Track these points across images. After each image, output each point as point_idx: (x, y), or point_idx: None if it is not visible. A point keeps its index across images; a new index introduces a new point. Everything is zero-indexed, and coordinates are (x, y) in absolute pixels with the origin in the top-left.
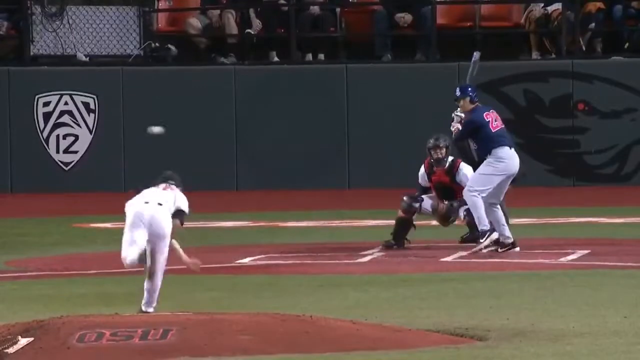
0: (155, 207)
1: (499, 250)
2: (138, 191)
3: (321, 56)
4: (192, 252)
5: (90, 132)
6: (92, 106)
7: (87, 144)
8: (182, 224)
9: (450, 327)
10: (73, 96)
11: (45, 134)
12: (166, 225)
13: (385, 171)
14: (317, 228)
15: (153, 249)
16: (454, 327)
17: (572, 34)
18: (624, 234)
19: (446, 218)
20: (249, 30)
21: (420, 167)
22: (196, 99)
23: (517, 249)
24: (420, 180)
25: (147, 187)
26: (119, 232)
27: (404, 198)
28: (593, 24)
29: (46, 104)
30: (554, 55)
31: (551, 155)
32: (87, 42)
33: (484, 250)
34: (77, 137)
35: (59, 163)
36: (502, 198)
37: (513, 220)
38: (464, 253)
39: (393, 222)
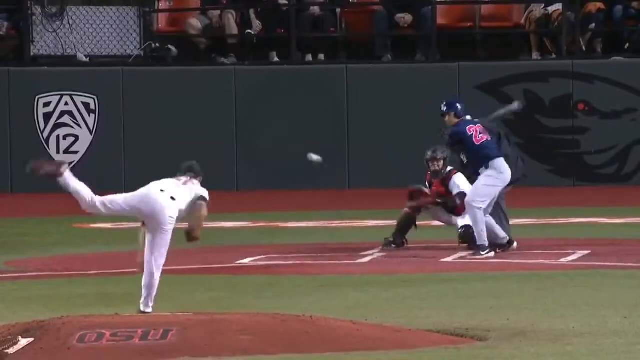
0: (167, 199)
1: (498, 250)
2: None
3: (321, 56)
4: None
5: (91, 132)
6: (92, 106)
7: (87, 144)
8: (203, 209)
9: (451, 327)
10: (73, 96)
11: (45, 134)
12: (170, 220)
13: (385, 171)
14: (317, 228)
15: (152, 241)
16: (454, 328)
17: (572, 34)
18: (624, 234)
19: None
20: (249, 31)
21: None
22: (196, 99)
23: (515, 245)
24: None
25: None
26: (119, 233)
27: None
28: (593, 24)
29: (46, 105)
30: (554, 56)
31: (551, 155)
32: (88, 42)
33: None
34: (77, 138)
35: None
36: (492, 205)
37: (513, 221)
38: (464, 253)
39: (393, 222)
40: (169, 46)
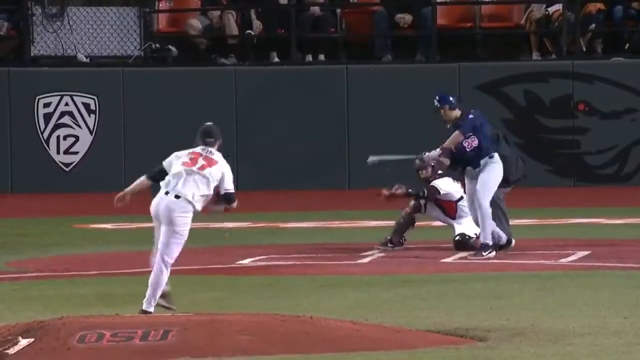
0: (172, 200)
1: (497, 250)
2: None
3: (321, 57)
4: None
5: (91, 132)
6: (92, 107)
7: (87, 144)
8: (231, 204)
9: (451, 327)
10: (73, 97)
11: (45, 134)
12: (180, 221)
13: (385, 172)
14: (318, 229)
15: (166, 242)
16: (454, 328)
17: (572, 34)
18: (624, 234)
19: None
20: (249, 31)
21: None
22: (196, 99)
23: (513, 243)
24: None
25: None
26: (119, 233)
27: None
28: (593, 25)
29: (47, 105)
30: (554, 56)
31: (551, 155)
32: (88, 42)
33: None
34: (77, 138)
35: (60, 164)
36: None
37: (514, 221)
38: (465, 254)
39: (393, 222)
40: (169, 46)
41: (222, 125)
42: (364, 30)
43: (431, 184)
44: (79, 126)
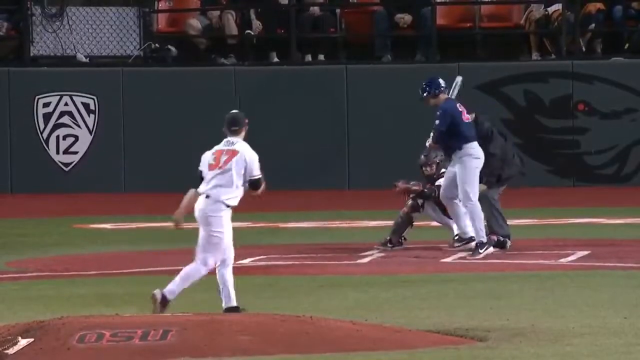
0: (203, 202)
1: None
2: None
3: (321, 57)
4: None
5: (90, 132)
6: (92, 107)
7: (87, 144)
8: (257, 190)
9: (450, 327)
10: (73, 97)
11: (45, 134)
12: (214, 221)
13: (385, 172)
14: (317, 229)
15: (203, 243)
16: (454, 328)
17: (572, 34)
18: (624, 234)
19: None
20: (248, 31)
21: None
22: (196, 99)
23: (491, 249)
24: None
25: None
26: (119, 233)
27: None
28: (593, 25)
29: (46, 105)
30: (554, 56)
31: (551, 155)
32: (87, 42)
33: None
34: (77, 138)
35: (59, 164)
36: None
37: (513, 221)
38: (464, 254)
39: (391, 222)
40: (169, 46)
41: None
42: (363, 30)
43: (436, 183)
44: (79, 126)
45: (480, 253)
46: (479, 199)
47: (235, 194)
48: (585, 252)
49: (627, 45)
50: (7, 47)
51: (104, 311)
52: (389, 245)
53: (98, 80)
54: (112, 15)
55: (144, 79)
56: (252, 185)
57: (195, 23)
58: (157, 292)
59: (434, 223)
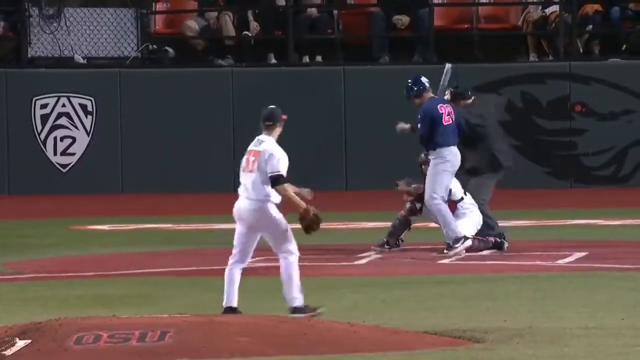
0: (243, 201)
1: (455, 246)
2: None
3: (319, 58)
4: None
5: (88, 134)
6: (89, 108)
7: (84, 146)
8: (276, 187)
9: (448, 328)
10: (70, 98)
11: (42, 136)
12: (268, 220)
13: (383, 173)
14: None
15: (273, 244)
16: (452, 329)
17: (569, 35)
18: (622, 235)
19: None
20: (246, 32)
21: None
22: (194, 100)
23: (469, 242)
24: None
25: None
26: (117, 234)
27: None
28: (590, 26)
29: (43, 106)
30: (551, 57)
31: (548, 157)
32: (85, 44)
33: (452, 256)
34: (74, 139)
35: (57, 165)
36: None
37: (511, 222)
38: (462, 255)
39: (388, 223)
40: (166, 48)
41: (219, 126)
42: (361, 31)
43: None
44: (76, 127)
45: (457, 247)
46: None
47: (270, 192)
48: (583, 254)
49: (624, 46)
50: (4, 48)
51: (101, 312)
52: (385, 247)
53: (95, 81)
54: (109, 17)
55: (141, 80)
56: (272, 182)
57: (193, 24)
58: (298, 306)
59: (432, 224)
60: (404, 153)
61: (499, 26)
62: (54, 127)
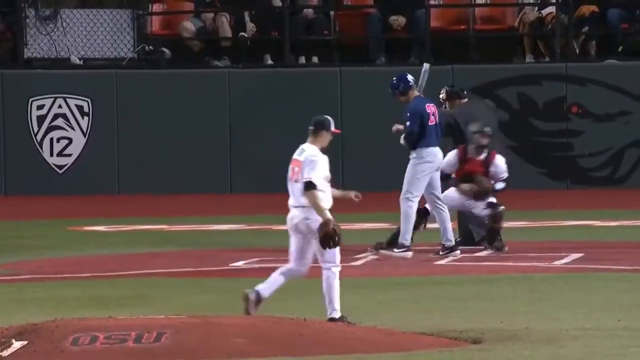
0: (292, 211)
1: (440, 253)
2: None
3: (315, 59)
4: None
5: (84, 135)
6: (85, 109)
7: (81, 147)
8: (309, 191)
9: (445, 329)
10: (67, 99)
11: (39, 137)
12: (315, 226)
13: (379, 174)
14: None
15: (317, 250)
16: (448, 330)
17: (565, 37)
18: (618, 237)
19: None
20: (242, 33)
21: (449, 152)
22: (190, 101)
23: (458, 252)
24: (446, 167)
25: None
26: (113, 235)
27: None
28: (587, 27)
29: (40, 107)
30: (547, 59)
31: (545, 158)
32: (81, 45)
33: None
34: (70, 140)
35: (53, 166)
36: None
37: (507, 224)
38: (458, 256)
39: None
40: (163, 49)
41: (215, 127)
42: (357, 32)
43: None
44: (72, 128)
45: (395, 252)
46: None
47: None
48: (579, 255)
49: (620, 47)
50: (1, 49)
51: (97, 314)
52: (382, 250)
53: (92, 82)
54: (106, 18)
55: (137, 81)
56: (303, 188)
57: (189, 25)
58: (335, 318)
59: (428, 225)
60: (400, 154)
61: (496, 27)
62: (51, 128)
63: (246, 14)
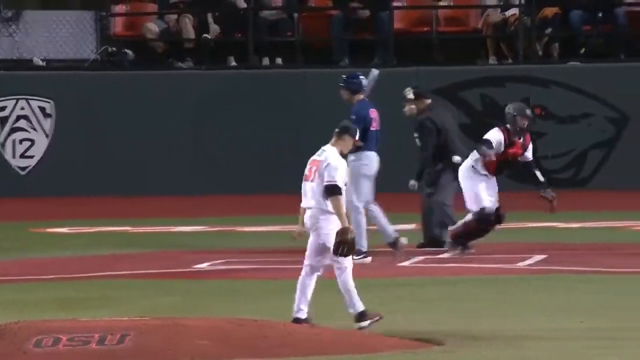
0: (309, 212)
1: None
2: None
3: (279, 61)
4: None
5: (47, 136)
6: (48, 111)
7: (43, 148)
8: (334, 196)
9: (408, 331)
10: (29, 101)
11: (1, 138)
12: (325, 227)
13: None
14: (275, 232)
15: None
16: (412, 332)
17: (528, 38)
18: (581, 238)
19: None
20: (206, 35)
21: (493, 133)
22: (153, 103)
23: (369, 259)
24: (497, 147)
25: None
26: (76, 237)
27: None
28: (549, 29)
29: (2, 109)
30: (510, 60)
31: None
32: (44, 46)
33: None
34: (33, 142)
35: (16, 168)
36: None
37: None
38: (421, 258)
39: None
40: (126, 50)
41: (179, 129)
42: (321, 34)
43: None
44: (35, 130)
45: (355, 259)
46: (434, 204)
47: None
48: (543, 256)
49: (583, 49)
50: None
51: (61, 315)
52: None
53: (55, 83)
54: (68, 19)
55: (101, 83)
56: (325, 190)
57: (153, 27)
58: (360, 312)
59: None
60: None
61: (459, 29)
62: (13, 130)
63: (210, 15)
